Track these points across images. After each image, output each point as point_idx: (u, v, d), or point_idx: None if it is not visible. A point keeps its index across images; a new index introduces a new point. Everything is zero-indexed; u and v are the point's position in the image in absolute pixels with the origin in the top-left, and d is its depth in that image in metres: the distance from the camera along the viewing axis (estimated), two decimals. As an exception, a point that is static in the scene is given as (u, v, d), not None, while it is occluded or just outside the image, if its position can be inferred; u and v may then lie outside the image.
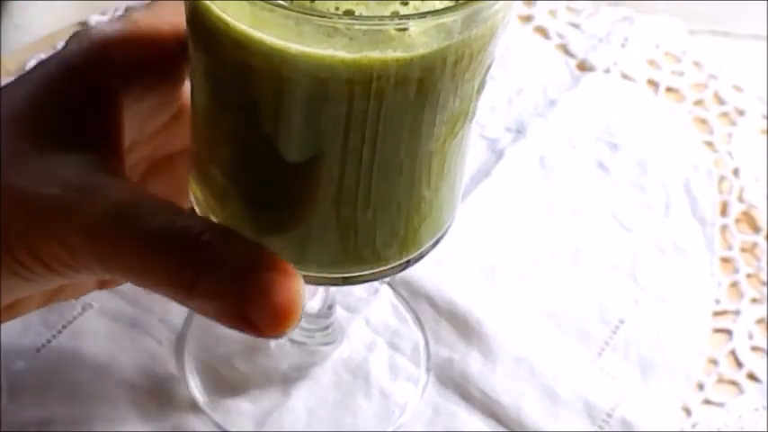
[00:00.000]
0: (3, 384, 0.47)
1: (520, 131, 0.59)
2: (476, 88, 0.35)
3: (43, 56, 0.60)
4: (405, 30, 0.30)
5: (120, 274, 0.35)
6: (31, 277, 0.36)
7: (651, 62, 0.63)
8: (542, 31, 0.64)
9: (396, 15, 0.31)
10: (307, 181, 0.35)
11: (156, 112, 0.40)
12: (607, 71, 0.62)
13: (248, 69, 0.32)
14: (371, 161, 0.34)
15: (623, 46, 0.63)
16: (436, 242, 0.40)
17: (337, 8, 0.31)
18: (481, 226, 0.55)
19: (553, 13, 0.65)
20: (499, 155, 0.58)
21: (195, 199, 0.40)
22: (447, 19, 0.31)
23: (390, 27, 0.30)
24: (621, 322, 0.52)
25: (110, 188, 0.35)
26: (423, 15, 0.31)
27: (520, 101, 0.61)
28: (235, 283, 0.33)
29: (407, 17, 0.31)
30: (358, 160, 0.34)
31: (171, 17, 0.38)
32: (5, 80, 0.58)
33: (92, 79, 0.37)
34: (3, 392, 0.47)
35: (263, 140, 0.34)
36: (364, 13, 0.31)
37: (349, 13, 0.31)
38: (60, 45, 0.60)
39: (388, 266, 0.39)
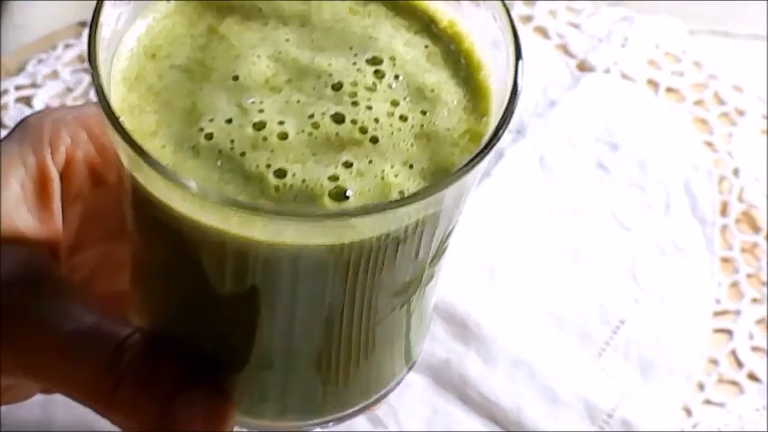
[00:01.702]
0: (2, 385, 0.47)
1: (520, 131, 0.59)
2: (429, 260, 0.32)
3: (44, 56, 0.60)
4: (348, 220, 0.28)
5: (37, 378, 0.32)
6: None
7: (651, 62, 0.63)
8: (542, 31, 0.64)
9: (338, 196, 0.29)
10: (249, 345, 0.33)
11: (97, 216, 0.37)
12: (607, 71, 0.62)
13: (168, 232, 0.30)
14: (311, 331, 0.32)
15: (623, 46, 0.63)
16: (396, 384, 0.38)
17: (268, 165, 0.29)
18: (481, 226, 0.55)
19: (553, 13, 0.65)
20: (499, 155, 0.58)
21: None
22: (392, 213, 0.28)
23: (332, 223, 0.28)
24: (622, 322, 0.52)
25: (36, 283, 0.32)
26: (367, 210, 0.28)
27: (520, 101, 0.61)
28: (158, 397, 0.31)
29: (348, 213, 0.28)
30: (300, 329, 0.32)
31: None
32: (5, 80, 0.59)
33: (33, 171, 0.35)
34: (3, 393, 0.47)
35: (195, 301, 0.32)
36: (298, 174, 0.29)
37: (281, 172, 0.29)
38: (60, 45, 0.61)
39: (345, 413, 0.37)
